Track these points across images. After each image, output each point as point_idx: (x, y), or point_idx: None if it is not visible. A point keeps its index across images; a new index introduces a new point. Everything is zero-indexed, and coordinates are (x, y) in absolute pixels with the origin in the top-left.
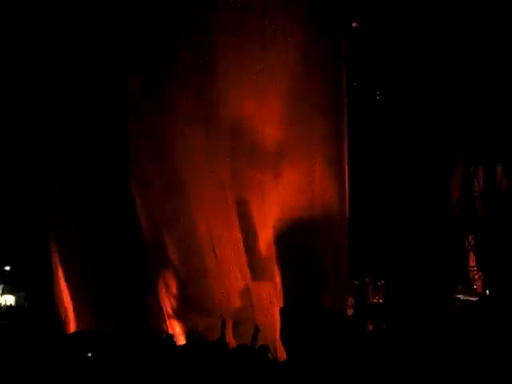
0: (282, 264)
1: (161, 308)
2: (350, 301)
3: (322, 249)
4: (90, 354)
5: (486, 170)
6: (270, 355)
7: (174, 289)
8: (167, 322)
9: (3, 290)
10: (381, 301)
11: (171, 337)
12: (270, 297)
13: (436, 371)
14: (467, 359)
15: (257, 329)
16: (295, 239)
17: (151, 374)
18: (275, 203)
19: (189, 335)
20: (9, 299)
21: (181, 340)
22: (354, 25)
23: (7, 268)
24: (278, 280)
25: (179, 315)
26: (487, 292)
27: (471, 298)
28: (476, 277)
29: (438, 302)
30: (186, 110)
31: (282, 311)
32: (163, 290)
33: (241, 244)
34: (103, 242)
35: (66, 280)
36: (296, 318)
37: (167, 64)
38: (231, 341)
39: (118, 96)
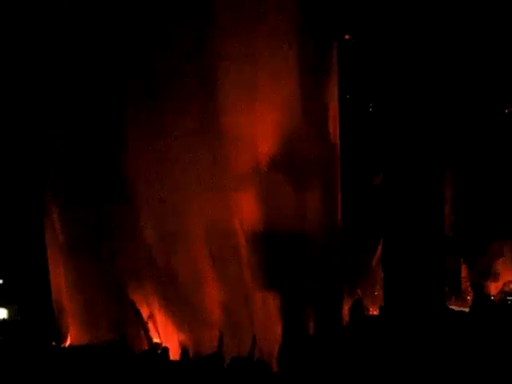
0: (279, 273)
1: (152, 317)
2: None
3: (315, 257)
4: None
5: (479, 178)
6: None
7: (168, 297)
8: (160, 334)
9: None
10: (375, 312)
11: (166, 350)
12: (269, 306)
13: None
14: (460, 369)
15: (254, 341)
16: (290, 247)
17: None
18: (269, 211)
19: (183, 349)
20: (1, 313)
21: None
22: (346, 37)
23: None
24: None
25: (174, 326)
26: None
27: (464, 309)
28: (469, 288)
29: (432, 314)
30: (185, 112)
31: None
32: (156, 300)
33: (240, 251)
34: (100, 249)
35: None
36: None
37: (166, 67)
38: (227, 353)
39: (116, 98)
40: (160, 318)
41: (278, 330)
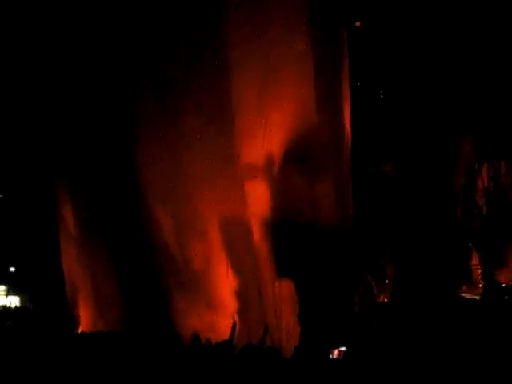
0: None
1: (169, 306)
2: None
3: (327, 247)
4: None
5: (490, 167)
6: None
7: (182, 286)
8: (177, 321)
9: (8, 291)
10: (386, 300)
11: (178, 336)
12: (282, 297)
13: (440, 370)
14: (471, 357)
15: (266, 330)
16: (302, 235)
17: (158, 374)
18: (279, 205)
19: (194, 334)
20: (14, 300)
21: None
22: (357, 24)
23: (12, 269)
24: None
25: (187, 313)
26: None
27: (476, 297)
28: (479, 276)
29: (443, 301)
30: (196, 110)
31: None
32: (172, 288)
33: (251, 242)
34: (112, 240)
35: (76, 277)
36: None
37: (176, 65)
38: (239, 341)
39: (126, 98)
40: (174, 305)
41: (290, 318)
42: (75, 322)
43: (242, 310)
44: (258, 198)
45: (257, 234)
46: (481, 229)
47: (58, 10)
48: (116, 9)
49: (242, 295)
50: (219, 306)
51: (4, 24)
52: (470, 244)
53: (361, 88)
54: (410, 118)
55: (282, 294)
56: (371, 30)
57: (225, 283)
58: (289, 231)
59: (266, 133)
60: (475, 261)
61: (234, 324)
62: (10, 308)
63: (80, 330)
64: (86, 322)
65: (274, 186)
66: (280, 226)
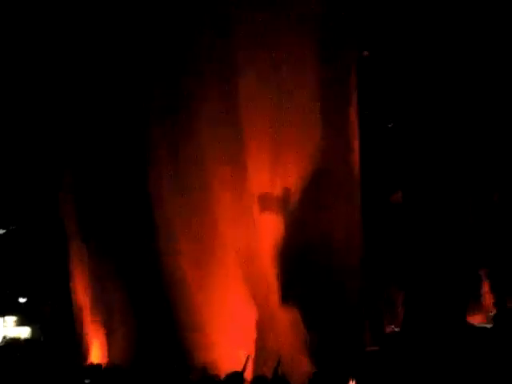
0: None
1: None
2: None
3: (338, 277)
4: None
5: (500, 195)
6: None
7: (191, 317)
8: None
9: (18, 322)
10: (396, 329)
11: (188, 368)
12: (297, 325)
13: None
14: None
15: (279, 361)
16: (309, 270)
17: None
18: (291, 219)
19: (203, 368)
20: (24, 331)
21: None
22: (365, 54)
23: (22, 300)
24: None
25: (200, 345)
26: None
27: (487, 325)
28: (490, 304)
29: (453, 329)
30: (207, 113)
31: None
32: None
33: (265, 271)
34: (125, 270)
35: (86, 307)
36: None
37: (189, 68)
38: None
39: (138, 99)
40: (186, 336)
41: (303, 351)
42: (85, 353)
43: (256, 342)
44: (269, 228)
45: (267, 263)
46: (491, 256)
47: (77, 11)
48: (130, 10)
49: (256, 325)
50: (233, 338)
51: (29, 20)
52: (481, 272)
53: (369, 117)
54: (418, 147)
55: (293, 323)
56: (378, 59)
57: (239, 314)
58: (300, 261)
59: (278, 165)
60: (486, 289)
61: (248, 356)
62: (19, 339)
63: (90, 361)
64: (96, 352)
65: (285, 216)
66: (291, 256)
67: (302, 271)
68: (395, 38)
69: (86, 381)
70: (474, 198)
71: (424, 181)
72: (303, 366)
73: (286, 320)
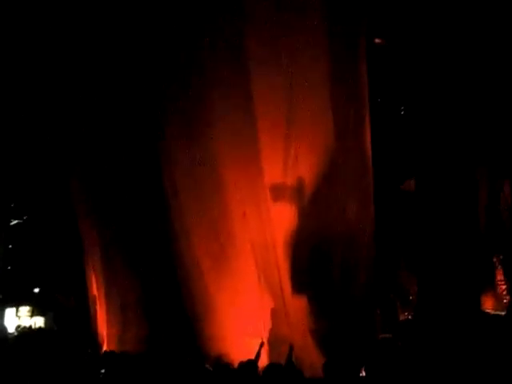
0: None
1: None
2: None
3: (350, 265)
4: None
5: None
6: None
7: (204, 305)
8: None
9: (33, 311)
10: (410, 317)
11: (202, 358)
12: (309, 314)
13: None
14: (495, 374)
15: (291, 348)
16: (326, 254)
17: None
18: (303, 209)
19: (218, 357)
20: (38, 321)
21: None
22: (377, 41)
23: (36, 290)
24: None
25: (214, 335)
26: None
27: (501, 313)
28: (504, 291)
29: (467, 317)
30: (219, 105)
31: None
32: (193, 306)
33: (277, 253)
34: (139, 256)
35: (101, 300)
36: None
37: (201, 62)
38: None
39: (150, 89)
40: (199, 326)
41: (315, 339)
42: (100, 341)
43: (271, 329)
44: (282, 219)
45: (280, 253)
46: (506, 243)
47: (88, 11)
48: (141, 7)
49: (269, 314)
50: (246, 326)
51: (39, 20)
52: (494, 259)
53: (381, 104)
54: (431, 135)
55: (304, 312)
56: (391, 46)
57: (252, 303)
58: (312, 250)
59: (291, 156)
60: (500, 276)
61: (262, 343)
62: (33, 329)
63: (105, 349)
64: (110, 339)
65: (298, 206)
66: (303, 245)
67: (314, 261)
68: (408, 23)
69: (101, 370)
70: (488, 184)
71: (437, 167)
72: (315, 354)
73: (298, 309)
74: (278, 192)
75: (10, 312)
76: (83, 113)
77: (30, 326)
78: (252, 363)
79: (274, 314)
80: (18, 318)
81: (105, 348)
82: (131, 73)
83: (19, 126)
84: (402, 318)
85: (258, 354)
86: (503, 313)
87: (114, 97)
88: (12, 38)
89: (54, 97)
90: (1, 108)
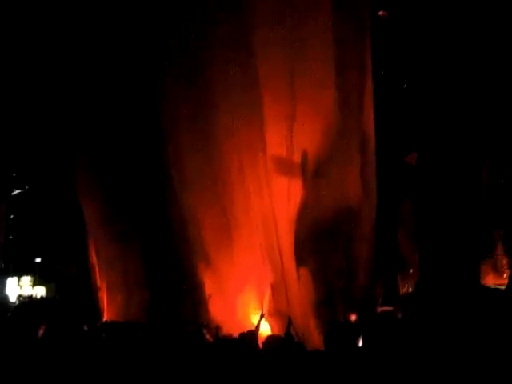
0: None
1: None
2: (379, 291)
3: (349, 241)
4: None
5: None
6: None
7: (206, 280)
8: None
9: (34, 281)
10: (410, 289)
11: (199, 329)
12: (309, 288)
13: (463, 361)
14: (495, 349)
15: (290, 320)
16: (329, 231)
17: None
18: (307, 201)
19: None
20: (40, 291)
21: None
22: (380, 13)
23: (38, 260)
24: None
25: (210, 307)
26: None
27: (500, 286)
28: (505, 265)
29: (467, 291)
30: (223, 82)
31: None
32: (200, 282)
33: (278, 227)
34: (139, 230)
35: (102, 269)
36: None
37: (204, 58)
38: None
39: (154, 72)
40: (201, 297)
41: (314, 312)
42: (101, 310)
43: (270, 303)
44: (284, 195)
45: (283, 229)
46: (506, 218)
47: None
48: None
49: (270, 288)
50: (247, 299)
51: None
52: (494, 233)
53: (384, 77)
54: (434, 109)
55: (305, 286)
56: (395, 18)
57: (254, 278)
58: (313, 226)
59: (294, 133)
60: (500, 250)
61: (262, 315)
62: (35, 298)
63: (106, 318)
64: (112, 307)
65: (300, 183)
66: (305, 222)
67: (315, 235)
68: None
69: (103, 335)
70: (490, 161)
71: (439, 141)
72: (314, 326)
73: (298, 283)
74: (279, 166)
75: (11, 281)
76: (82, 92)
77: (31, 296)
78: (252, 334)
79: (275, 288)
80: (20, 288)
81: (105, 317)
82: (135, 54)
83: (21, 100)
84: (402, 290)
85: (258, 325)
86: (503, 287)
87: (114, 70)
88: (10, 34)
89: (57, 78)
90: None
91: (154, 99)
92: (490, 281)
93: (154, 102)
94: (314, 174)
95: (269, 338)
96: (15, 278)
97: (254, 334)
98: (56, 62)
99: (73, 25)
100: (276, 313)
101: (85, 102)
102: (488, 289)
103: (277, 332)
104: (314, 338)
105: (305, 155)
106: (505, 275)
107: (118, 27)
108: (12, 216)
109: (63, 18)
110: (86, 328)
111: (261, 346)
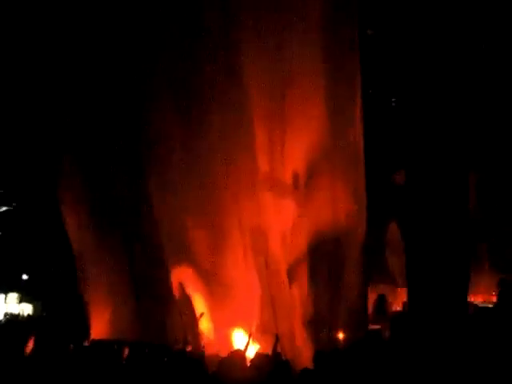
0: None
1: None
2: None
3: (341, 256)
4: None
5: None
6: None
7: (192, 296)
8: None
9: (21, 299)
10: (398, 308)
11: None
12: (300, 304)
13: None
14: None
15: (277, 338)
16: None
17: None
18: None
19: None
20: (26, 308)
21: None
22: (368, 32)
23: (24, 277)
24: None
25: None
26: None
27: (488, 305)
28: (493, 283)
29: (456, 309)
30: (215, 98)
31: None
32: (181, 296)
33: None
34: (128, 245)
35: (88, 284)
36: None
37: (193, 65)
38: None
39: (143, 84)
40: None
41: (306, 329)
42: (88, 326)
43: (258, 320)
44: (277, 210)
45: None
46: (493, 236)
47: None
48: (133, 9)
49: (259, 305)
50: (236, 318)
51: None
52: (478, 247)
53: (372, 95)
54: (422, 127)
55: (296, 302)
56: (382, 37)
57: (244, 296)
58: (307, 241)
59: (285, 149)
60: (487, 267)
61: (250, 334)
62: (21, 316)
63: (93, 334)
64: (99, 323)
65: (292, 199)
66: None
67: (305, 251)
68: (400, 15)
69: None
70: (476, 176)
71: (427, 159)
72: (305, 344)
73: (289, 299)
74: (273, 185)
75: None
76: (68, 100)
77: (18, 314)
78: (240, 353)
79: (264, 304)
80: (6, 305)
81: (92, 333)
82: (125, 64)
83: (7, 113)
84: (390, 309)
85: (247, 345)
86: (491, 305)
87: (102, 78)
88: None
89: (43, 84)
90: None
91: (139, 105)
92: (478, 299)
93: (138, 108)
94: (305, 187)
95: (256, 356)
96: (2, 295)
97: (242, 352)
98: (38, 75)
99: (61, 32)
100: (264, 331)
101: (68, 107)
102: (476, 307)
103: (264, 350)
104: (303, 356)
105: (295, 168)
106: (493, 293)
107: (105, 30)
108: None
109: (51, 23)
110: (71, 347)
111: (249, 364)
